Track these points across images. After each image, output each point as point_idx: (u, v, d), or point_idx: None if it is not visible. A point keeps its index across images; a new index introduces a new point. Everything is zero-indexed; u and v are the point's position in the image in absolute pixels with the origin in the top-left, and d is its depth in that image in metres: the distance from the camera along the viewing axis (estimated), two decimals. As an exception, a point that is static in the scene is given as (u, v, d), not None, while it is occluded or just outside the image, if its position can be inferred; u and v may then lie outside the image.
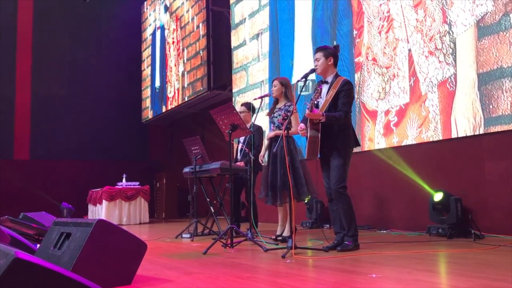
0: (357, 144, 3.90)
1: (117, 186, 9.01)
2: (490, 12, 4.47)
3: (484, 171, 4.56)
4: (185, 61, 10.82)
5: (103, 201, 8.73)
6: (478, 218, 4.40)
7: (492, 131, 4.42)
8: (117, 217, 8.70)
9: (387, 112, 5.62)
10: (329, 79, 3.85)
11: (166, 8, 12.17)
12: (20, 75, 12.22)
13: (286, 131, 3.83)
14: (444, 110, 4.91)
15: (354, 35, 6.15)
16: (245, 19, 8.68)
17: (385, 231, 5.31)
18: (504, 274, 2.54)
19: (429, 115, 5.08)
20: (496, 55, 4.42)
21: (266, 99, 7.59)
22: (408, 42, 5.38)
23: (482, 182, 4.56)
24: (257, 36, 8.29)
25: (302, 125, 3.81)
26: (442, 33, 4.95)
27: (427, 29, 5.13)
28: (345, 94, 3.73)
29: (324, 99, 3.77)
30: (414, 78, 5.28)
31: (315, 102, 3.63)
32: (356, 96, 5.88)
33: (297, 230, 4.78)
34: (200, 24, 10.12)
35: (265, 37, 8.02)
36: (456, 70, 4.79)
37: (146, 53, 13.50)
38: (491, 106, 4.45)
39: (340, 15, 6.39)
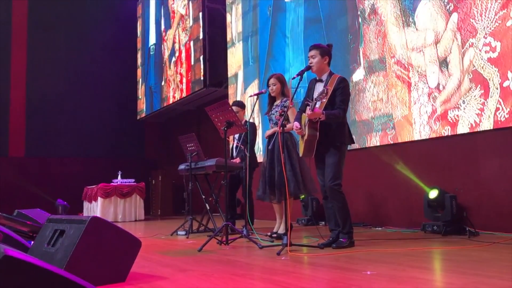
0: (352, 141, 3.91)
1: (113, 183, 8.99)
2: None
3: (479, 168, 4.57)
4: (183, 60, 10.76)
5: (98, 198, 8.72)
6: (472, 216, 4.41)
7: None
8: (112, 214, 8.69)
9: (384, 125, 5.47)
10: (324, 77, 3.85)
11: (162, 3, 12.10)
12: (15, 72, 12.16)
13: (282, 127, 3.82)
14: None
15: (349, 40, 5.97)
16: (234, 20, 8.58)
17: (380, 228, 5.32)
18: (499, 271, 2.55)
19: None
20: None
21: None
22: (408, 49, 5.16)
23: (477, 179, 4.57)
24: (246, 39, 8.20)
25: (297, 123, 3.81)
26: (447, 40, 4.71)
27: (430, 34, 4.91)
28: (342, 92, 3.73)
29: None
30: (415, 88, 5.10)
31: (316, 102, 3.59)
32: (350, 106, 5.74)
33: (293, 228, 4.78)
34: (197, 21, 10.07)
35: (255, 40, 7.91)
36: (463, 80, 4.57)
37: (141, 50, 13.44)
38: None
39: (334, 17, 6.23)
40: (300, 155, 3.89)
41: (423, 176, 5.02)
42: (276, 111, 4.64)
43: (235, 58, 8.60)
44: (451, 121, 4.68)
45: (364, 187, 5.85)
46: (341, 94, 3.72)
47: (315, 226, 5.57)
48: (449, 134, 4.76)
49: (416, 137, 5.07)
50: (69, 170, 11.90)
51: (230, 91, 8.77)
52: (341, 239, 3.70)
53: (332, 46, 3.99)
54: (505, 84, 4.13)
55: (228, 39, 8.92)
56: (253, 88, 7.93)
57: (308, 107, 3.63)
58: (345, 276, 2.56)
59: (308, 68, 3.85)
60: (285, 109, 4.49)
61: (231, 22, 8.78)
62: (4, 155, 11.74)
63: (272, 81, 4.70)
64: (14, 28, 12.27)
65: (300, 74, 3.80)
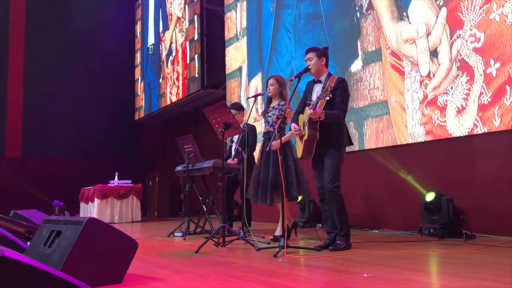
0: (351, 143, 3.91)
1: (109, 184, 8.97)
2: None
3: (476, 171, 4.58)
4: (179, 59, 10.83)
5: (95, 199, 8.69)
6: (469, 218, 4.42)
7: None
8: (109, 215, 8.66)
9: (380, 111, 5.62)
10: (322, 78, 3.86)
11: (160, 6, 12.17)
12: (12, 72, 12.13)
13: (279, 130, 3.83)
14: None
15: (348, 33, 6.12)
16: (239, 16, 8.71)
17: (377, 231, 5.32)
18: (495, 274, 2.55)
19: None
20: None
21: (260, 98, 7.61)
22: (402, 41, 5.35)
23: (473, 182, 4.58)
24: (250, 34, 8.30)
25: (295, 125, 3.80)
26: (437, 32, 4.92)
27: (422, 27, 5.10)
28: (341, 92, 3.73)
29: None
30: (408, 76, 5.27)
31: (319, 100, 3.57)
32: (349, 93, 5.89)
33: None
34: (192, 22, 10.13)
35: (259, 35, 8.01)
36: (451, 68, 4.78)
37: (139, 52, 13.49)
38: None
39: (334, 12, 6.38)
40: (298, 156, 3.88)
41: (420, 179, 5.03)
42: (273, 114, 4.63)
43: (239, 53, 8.74)
44: (440, 105, 4.88)
45: (361, 190, 5.85)
46: (341, 95, 3.71)
47: (312, 228, 5.57)
48: (447, 137, 4.79)
49: (409, 121, 5.22)
50: (66, 170, 11.86)
51: (234, 83, 8.87)
52: (338, 242, 3.70)
53: (328, 48, 4.00)
54: (488, 71, 4.42)
55: (232, 34, 9.03)
56: (257, 80, 8.05)
57: (308, 107, 3.62)
58: (342, 279, 2.57)
59: (306, 70, 3.86)
60: (282, 113, 4.48)
61: (235, 18, 8.92)
62: (1, 155, 11.71)
63: (270, 81, 4.68)
64: (12, 28, 12.24)
65: (298, 76, 3.79)
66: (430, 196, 4.65)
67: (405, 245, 3.98)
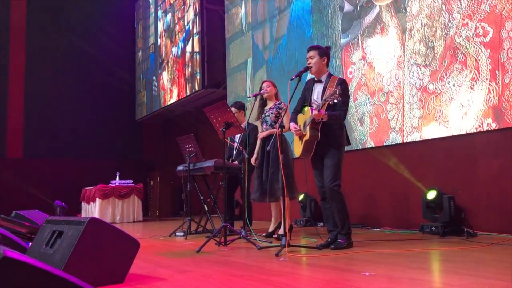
0: (349, 143, 3.91)
1: (111, 184, 8.97)
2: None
3: (477, 169, 4.58)
4: (179, 59, 10.84)
5: (97, 199, 8.70)
6: (471, 216, 4.42)
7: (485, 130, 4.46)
8: (111, 215, 8.67)
9: (379, 99, 5.73)
10: (323, 78, 3.86)
11: (161, 7, 12.19)
12: (13, 72, 12.14)
13: (280, 129, 3.84)
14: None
15: (350, 26, 6.24)
16: (244, 11, 8.81)
17: (378, 229, 5.33)
18: (497, 272, 2.55)
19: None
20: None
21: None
22: (400, 32, 5.41)
23: (475, 180, 4.58)
24: (255, 28, 8.40)
25: (294, 124, 3.81)
26: (433, 22, 5.10)
27: (419, 19, 5.26)
28: (342, 94, 3.72)
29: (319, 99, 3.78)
30: (407, 65, 5.33)
31: (325, 102, 3.57)
32: (351, 84, 6.04)
33: (293, 228, 4.79)
34: (195, 22, 10.15)
35: (263, 29, 8.11)
36: (445, 56, 4.94)
37: (141, 51, 13.51)
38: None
39: (336, 6, 6.49)
40: (297, 155, 3.89)
41: (421, 177, 5.03)
42: (272, 113, 4.70)
43: (245, 46, 8.82)
44: (436, 91, 5.01)
45: (362, 188, 5.85)
46: (342, 96, 3.71)
47: (313, 227, 5.57)
48: (448, 135, 4.80)
49: (407, 107, 5.34)
50: (68, 171, 11.87)
51: (240, 76, 8.93)
52: (340, 240, 3.71)
53: (331, 48, 4.00)
54: (480, 57, 4.60)
55: (238, 29, 9.09)
56: (262, 73, 8.13)
57: (312, 108, 3.63)
58: (344, 277, 2.57)
59: (307, 69, 3.86)
60: (281, 111, 4.59)
61: (241, 13, 9.04)
62: (2, 156, 11.72)
63: (266, 84, 4.85)
64: (13, 29, 12.25)
65: (299, 75, 3.79)
66: (431, 194, 4.65)
67: (406, 243, 3.98)
